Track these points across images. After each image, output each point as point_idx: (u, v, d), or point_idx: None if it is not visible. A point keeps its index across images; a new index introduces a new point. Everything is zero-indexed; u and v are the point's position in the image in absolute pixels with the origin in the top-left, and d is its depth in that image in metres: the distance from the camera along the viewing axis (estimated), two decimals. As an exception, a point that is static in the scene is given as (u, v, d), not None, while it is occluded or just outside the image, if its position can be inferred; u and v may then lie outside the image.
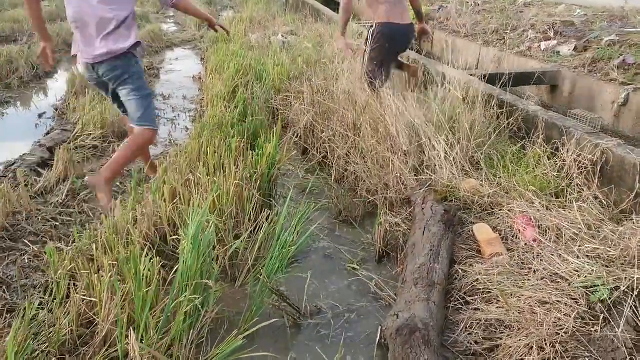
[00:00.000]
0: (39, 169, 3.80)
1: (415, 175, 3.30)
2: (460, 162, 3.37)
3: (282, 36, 8.09)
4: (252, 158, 3.09)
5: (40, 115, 5.34)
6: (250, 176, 2.99)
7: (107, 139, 4.44)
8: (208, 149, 3.18)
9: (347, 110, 3.82)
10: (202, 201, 2.58)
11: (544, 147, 3.34)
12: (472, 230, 2.88)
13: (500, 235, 2.79)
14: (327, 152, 3.93)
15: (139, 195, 2.86)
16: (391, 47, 4.18)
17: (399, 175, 3.25)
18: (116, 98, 3.07)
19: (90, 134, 4.40)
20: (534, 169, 3.29)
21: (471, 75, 4.57)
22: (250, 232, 2.75)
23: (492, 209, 3.05)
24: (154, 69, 7.18)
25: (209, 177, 2.82)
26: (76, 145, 4.24)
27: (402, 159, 3.34)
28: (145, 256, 2.10)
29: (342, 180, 3.62)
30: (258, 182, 3.02)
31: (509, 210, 2.96)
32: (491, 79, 4.30)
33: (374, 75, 4.12)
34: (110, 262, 2.15)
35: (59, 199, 3.37)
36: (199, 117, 4.81)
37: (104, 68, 2.84)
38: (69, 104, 5.04)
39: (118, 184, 3.67)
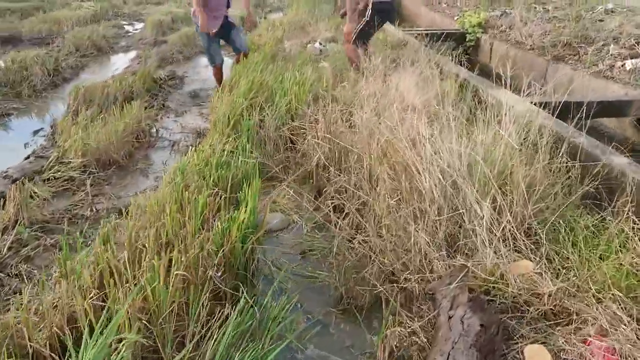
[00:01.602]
0: (-7, 209, 3.18)
1: (446, 253, 2.41)
2: (510, 236, 2.44)
3: (320, 43, 7.28)
4: (221, 225, 2.29)
5: (35, 132, 4.80)
6: (214, 252, 2.20)
7: (87, 169, 3.79)
8: (170, 206, 2.42)
9: (363, 153, 2.96)
10: (125, 297, 1.82)
11: (635, 222, 2.35)
12: (523, 354, 1.97)
13: (565, 369, 1.87)
14: (341, 202, 3.09)
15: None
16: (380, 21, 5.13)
17: (422, 253, 2.36)
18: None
19: (69, 163, 3.77)
20: (618, 252, 2.31)
21: (534, 104, 3.58)
22: (199, 340, 1.96)
23: (556, 317, 2.12)
24: (175, 79, 6.54)
25: (145, 260, 2.05)
26: (49, 176, 3.62)
27: (430, 229, 2.45)
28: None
29: (351, 250, 2.75)
30: (225, 261, 2.22)
31: (580, 324, 2.02)
32: (561, 110, 3.31)
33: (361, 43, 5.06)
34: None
35: (-4, 255, 2.72)
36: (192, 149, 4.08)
37: None
38: (65, 122, 4.43)
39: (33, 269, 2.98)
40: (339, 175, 3.20)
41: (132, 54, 8.48)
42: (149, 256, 2.09)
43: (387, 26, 7.33)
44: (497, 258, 2.30)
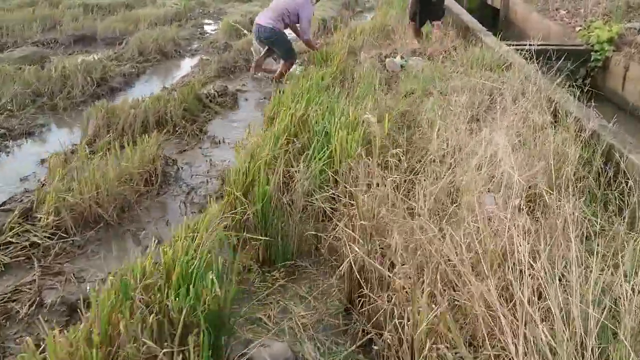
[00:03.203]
0: None
1: None
2: None
3: (402, 57, 6.04)
4: None
5: (42, 161, 4.07)
6: None
7: (59, 229, 2.92)
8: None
9: (410, 277, 1.78)
10: None
11: None
12: None
13: None
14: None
15: None
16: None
17: None
18: None
19: (39, 220, 2.92)
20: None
21: None
22: None
23: None
24: (226, 95, 5.60)
25: None
26: (6, 239, 2.79)
27: None
28: None
29: None
30: None
31: None
32: None
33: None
34: None
35: None
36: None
37: None
38: (57, 158, 3.62)
39: None
40: (379, 296, 2.04)
41: (197, 60, 7.73)
42: None
43: (487, 38, 5.94)
44: None
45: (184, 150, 4.28)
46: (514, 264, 1.71)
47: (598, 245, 1.83)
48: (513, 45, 5.51)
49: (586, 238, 2.03)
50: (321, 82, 4.22)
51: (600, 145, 2.88)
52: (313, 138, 3.16)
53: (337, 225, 2.45)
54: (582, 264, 1.71)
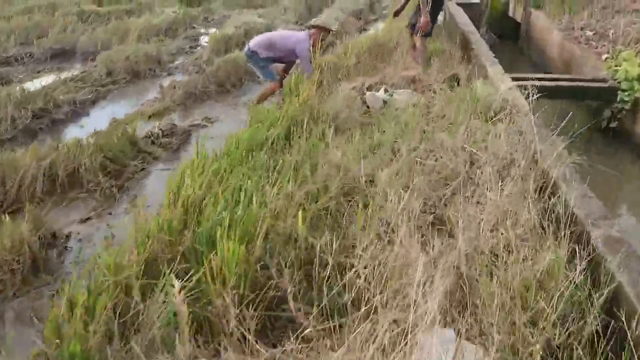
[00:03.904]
0: None
1: None
2: None
3: (386, 90, 5.08)
4: None
5: None
6: None
7: None
8: None
9: None
10: None
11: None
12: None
13: None
14: None
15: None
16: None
17: None
18: None
19: None
20: None
21: None
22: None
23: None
24: (173, 135, 4.76)
25: None
26: None
27: None
28: None
29: None
30: None
31: None
32: None
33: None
34: None
35: None
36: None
37: None
38: None
39: None
40: None
41: (170, 81, 6.91)
42: None
43: (492, 69, 4.93)
44: None
45: (88, 219, 3.46)
46: None
47: None
48: (520, 81, 4.48)
49: None
50: (258, 137, 3.31)
51: (601, 289, 1.88)
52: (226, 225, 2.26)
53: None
54: None
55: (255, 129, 3.31)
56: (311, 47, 5.38)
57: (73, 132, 5.09)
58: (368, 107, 4.86)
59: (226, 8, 14.25)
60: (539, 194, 2.66)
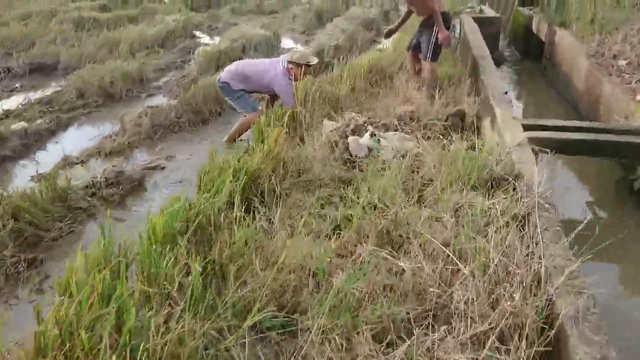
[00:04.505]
0: None
1: None
2: None
3: (373, 135, 4.28)
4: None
5: None
6: None
7: None
8: None
9: None
10: None
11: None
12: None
13: None
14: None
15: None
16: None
17: None
18: None
19: None
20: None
21: None
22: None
23: None
24: (119, 184, 4.07)
25: None
26: None
27: None
28: None
29: None
30: None
31: None
32: None
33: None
34: None
35: None
36: None
37: None
38: None
39: None
40: None
41: (147, 104, 6.24)
42: None
43: (501, 115, 4.10)
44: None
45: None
46: None
47: None
48: (534, 130, 3.65)
49: None
50: (175, 225, 2.56)
51: None
52: None
53: None
54: None
55: (170, 213, 2.55)
56: (293, 82, 4.67)
57: (14, 174, 4.48)
58: (351, 155, 4.10)
59: (234, 15, 13.60)
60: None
